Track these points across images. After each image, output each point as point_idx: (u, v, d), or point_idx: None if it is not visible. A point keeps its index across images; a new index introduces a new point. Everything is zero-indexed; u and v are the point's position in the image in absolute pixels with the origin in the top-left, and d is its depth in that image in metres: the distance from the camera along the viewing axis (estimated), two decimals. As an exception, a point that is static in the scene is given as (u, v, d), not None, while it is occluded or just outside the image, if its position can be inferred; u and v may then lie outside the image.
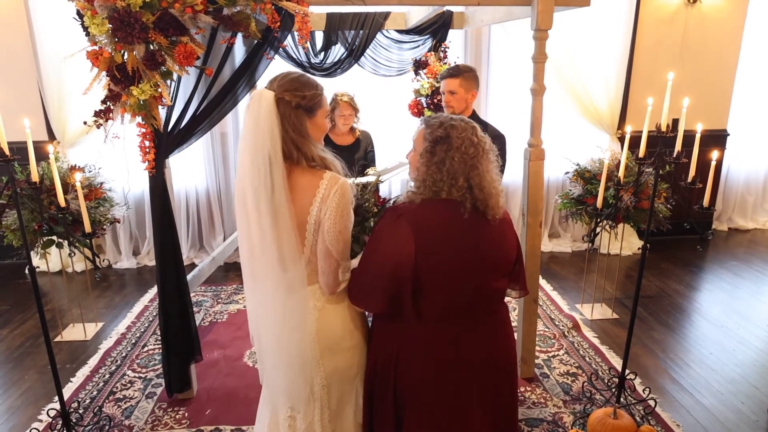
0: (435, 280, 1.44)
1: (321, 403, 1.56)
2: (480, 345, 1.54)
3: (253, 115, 1.39)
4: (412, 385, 1.54)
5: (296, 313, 1.48)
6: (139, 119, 2.13)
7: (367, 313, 1.68)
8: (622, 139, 4.53)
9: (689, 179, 2.10)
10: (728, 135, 4.84)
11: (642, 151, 2.33)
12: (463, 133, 1.43)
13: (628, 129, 2.66)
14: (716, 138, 4.63)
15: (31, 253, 2.72)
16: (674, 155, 2.13)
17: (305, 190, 1.45)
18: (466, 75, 2.64)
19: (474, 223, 1.44)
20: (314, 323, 1.51)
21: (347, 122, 3.33)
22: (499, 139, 2.38)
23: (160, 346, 2.58)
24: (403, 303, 1.45)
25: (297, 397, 1.54)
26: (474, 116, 2.70)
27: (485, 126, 2.14)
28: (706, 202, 2.10)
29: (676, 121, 2.16)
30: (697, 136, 2.12)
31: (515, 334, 1.97)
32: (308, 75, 1.54)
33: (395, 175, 3.70)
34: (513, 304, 3.74)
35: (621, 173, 2.81)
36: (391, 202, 1.80)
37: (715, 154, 2.12)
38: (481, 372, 1.55)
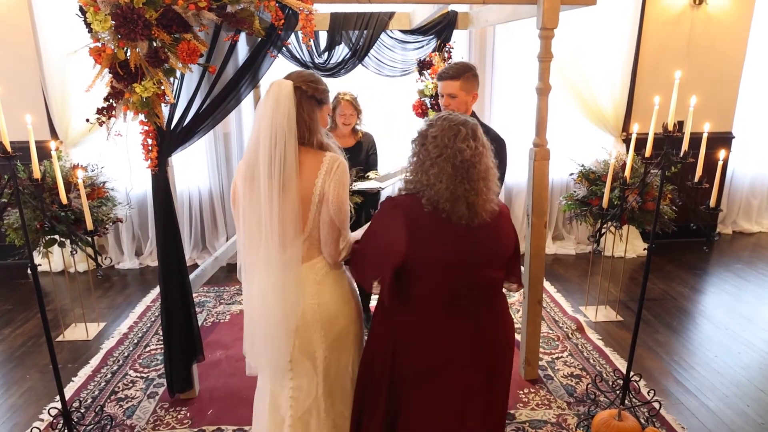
0: (428, 270, 1.49)
1: (323, 376, 1.66)
2: (475, 333, 1.57)
3: (272, 99, 1.55)
4: (409, 372, 1.57)
5: (294, 289, 1.59)
6: (141, 117, 2.12)
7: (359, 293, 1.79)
8: (626, 141, 4.52)
9: (696, 179, 2.08)
10: (733, 137, 4.81)
11: (648, 150, 2.31)
12: (439, 133, 1.47)
13: (635, 128, 2.63)
14: (721, 140, 4.60)
15: (34, 252, 2.71)
16: (680, 155, 2.11)
17: (310, 168, 1.59)
18: (467, 76, 2.41)
19: (468, 223, 1.49)
20: (315, 296, 1.63)
21: (348, 122, 3.19)
22: (498, 143, 2.28)
23: (162, 346, 2.57)
24: (386, 287, 1.51)
25: (301, 374, 1.65)
26: (475, 118, 2.64)
27: (486, 129, 2.10)
28: (712, 202, 2.08)
29: (681, 123, 2.14)
30: (704, 135, 2.11)
31: (519, 336, 1.98)
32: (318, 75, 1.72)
33: (398, 181, 3.65)
34: (516, 306, 3.72)
35: (627, 173, 2.79)
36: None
37: (722, 154, 2.10)
38: (475, 358, 1.58)
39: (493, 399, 1.69)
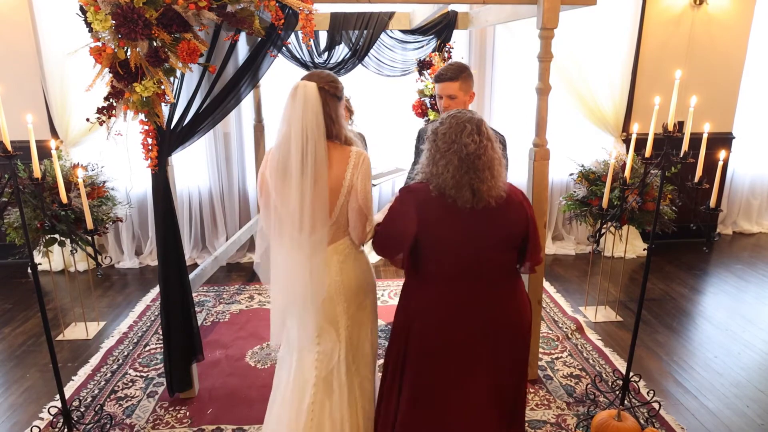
0: (437, 248, 1.69)
1: (345, 342, 1.86)
2: (484, 310, 1.71)
3: (300, 100, 1.69)
4: (423, 345, 1.74)
5: (321, 268, 1.78)
6: (141, 116, 2.13)
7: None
8: (626, 141, 4.52)
9: (696, 179, 2.08)
10: (733, 138, 4.81)
11: (648, 150, 2.31)
12: (448, 130, 1.65)
13: (635, 128, 2.63)
14: (722, 141, 4.60)
15: (34, 251, 2.72)
16: (681, 155, 2.11)
17: (338, 161, 1.77)
18: (464, 76, 2.41)
19: (473, 206, 1.64)
20: (338, 274, 1.83)
21: None
22: (499, 142, 2.30)
23: (162, 345, 2.57)
24: (404, 262, 1.77)
25: (326, 340, 1.85)
26: None
27: None
28: (713, 202, 2.08)
29: (681, 124, 2.14)
30: (705, 136, 2.10)
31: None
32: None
33: (388, 180, 3.65)
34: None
35: (627, 173, 2.79)
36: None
37: (722, 154, 2.10)
38: (482, 336, 1.71)
39: (505, 384, 1.78)
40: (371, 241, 1.88)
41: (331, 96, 1.76)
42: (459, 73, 2.41)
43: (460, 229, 1.65)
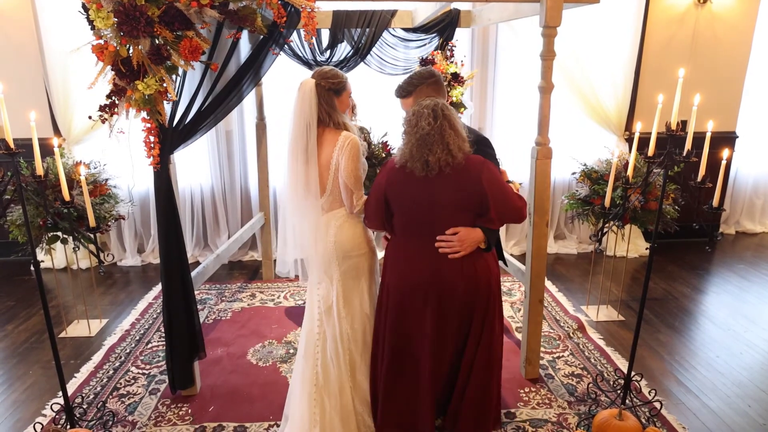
0: (400, 208, 2.08)
1: (338, 290, 2.25)
2: (432, 261, 2.03)
3: (300, 94, 2.12)
4: (390, 285, 2.14)
5: (322, 227, 2.21)
6: (144, 114, 2.13)
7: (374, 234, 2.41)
8: (629, 140, 4.51)
9: (699, 179, 2.07)
10: (737, 137, 4.79)
11: (651, 149, 2.30)
12: (411, 117, 2.01)
13: (638, 127, 2.62)
14: (725, 140, 4.58)
15: (36, 248, 2.73)
16: (684, 154, 2.10)
17: (330, 144, 2.14)
18: (418, 91, 2.26)
19: (427, 174, 1.98)
20: (334, 236, 2.20)
21: None
22: (481, 143, 2.27)
23: (164, 342, 2.57)
24: (380, 222, 2.16)
25: (324, 286, 2.27)
26: None
27: (469, 131, 2.10)
28: (715, 201, 2.07)
29: (685, 123, 2.13)
30: (708, 135, 2.10)
31: (519, 335, 2.17)
32: (336, 69, 2.21)
33: None
34: (518, 305, 3.72)
35: (630, 172, 2.78)
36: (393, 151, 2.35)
37: (725, 153, 2.09)
38: (430, 283, 2.04)
39: (459, 353, 2.13)
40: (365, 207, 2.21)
41: (326, 90, 2.13)
42: (410, 90, 2.29)
43: (415, 193, 2.01)
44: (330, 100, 2.14)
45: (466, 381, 2.14)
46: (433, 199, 2.00)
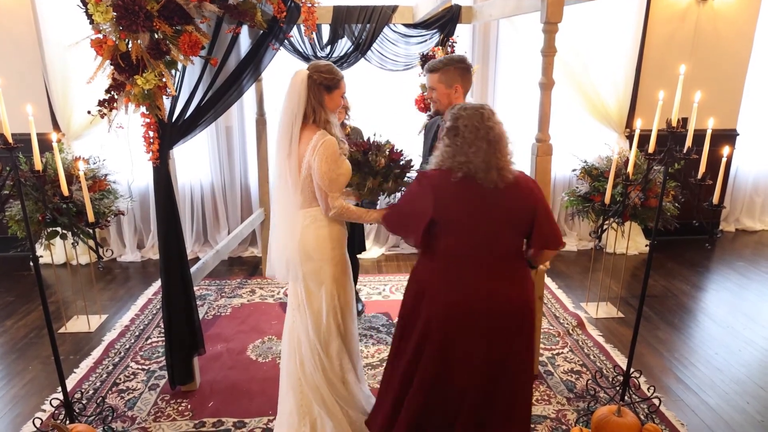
0: (452, 229, 1.82)
1: (302, 288, 2.20)
2: (489, 291, 1.81)
3: (291, 84, 2.04)
4: (433, 313, 1.86)
5: (294, 224, 2.15)
6: (143, 109, 2.12)
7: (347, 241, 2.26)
8: (630, 137, 4.50)
9: (699, 176, 2.06)
10: (738, 135, 4.79)
11: (652, 146, 2.30)
12: (468, 121, 1.78)
13: (638, 124, 2.61)
14: (726, 137, 4.57)
15: (36, 244, 2.72)
16: (684, 151, 2.10)
17: (305, 141, 2.04)
18: (446, 69, 2.40)
19: (481, 187, 1.77)
20: (300, 234, 2.15)
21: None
22: None
23: (164, 338, 2.57)
24: (419, 241, 1.88)
25: (292, 280, 2.23)
26: None
27: None
28: (716, 199, 2.07)
29: (685, 120, 2.12)
30: (708, 132, 2.09)
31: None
32: (333, 65, 2.11)
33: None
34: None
35: (630, 169, 2.78)
36: (407, 158, 2.23)
37: (726, 151, 2.09)
38: (486, 317, 1.82)
39: (503, 375, 1.86)
40: (386, 220, 2.02)
41: (317, 84, 2.04)
42: (441, 66, 2.41)
43: (476, 208, 1.79)
44: (319, 96, 2.06)
45: (512, 403, 1.92)
46: (494, 215, 1.79)
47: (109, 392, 2.70)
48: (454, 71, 2.39)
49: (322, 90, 2.06)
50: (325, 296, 2.18)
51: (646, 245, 4.52)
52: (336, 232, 2.18)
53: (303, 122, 2.05)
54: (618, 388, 2.50)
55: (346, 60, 3.72)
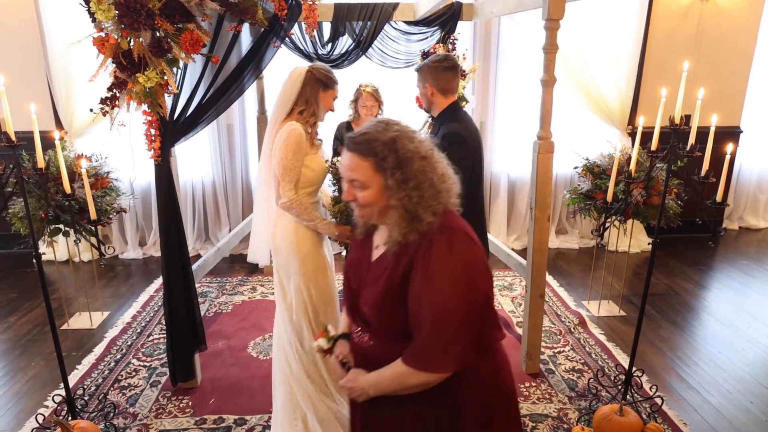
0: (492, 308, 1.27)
1: (277, 279, 2.23)
2: None
3: (288, 77, 2.11)
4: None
5: (267, 216, 2.24)
6: (144, 107, 2.12)
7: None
8: (632, 134, 4.48)
9: (702, 173, 2.05)
10: (741, 132, 4.76)
11: (654, 144, 2.29)
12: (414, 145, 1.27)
13: (641, 121, 2.60)
14: (729, 134, 4.55)
15: (38, 241, 2.73)
16: (687, 149, 2.09)
17: (278, 132, 2.09)
18: (421, 69, 2.38)
19: None
20: (270, 228, 2.22)
21: (370, 113, 3.45)
22: (446, 138, 2.10)
23: (165, 335, 2.58)
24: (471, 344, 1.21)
25: (275, 270, 2.26)
26: (445, 113, 2.35)
27: (443, 124, 2.21)
28: (719, 197, 2.06)
29: (688, 117, 2.11)
30: (712, 129, 2.08)
31: (520, 330, 1.91)
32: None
33: None
34: (519, 299, 3.72)
35: (632, 167, 2.77)
36: None
37: (729, 148, 2.08)
38: None
39: None
40: (444, 349, 1.18)
41: (315, 79, 2.10)
42: (419, 66, 2.41)
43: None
44: (315, 90, 2.11)
45: None
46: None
47: (111, 389, 2.70)
48: (426, 71, 2.37)
49: (320, 85, 2.11)
50: (294, 291, 2.17)
51: (649, 243, 4.50)
52: (297, 226, 2.14)
53: (288, 115, 2.09)
54: (620, 387, 2.50)
55: (347, 57, 3.72)
